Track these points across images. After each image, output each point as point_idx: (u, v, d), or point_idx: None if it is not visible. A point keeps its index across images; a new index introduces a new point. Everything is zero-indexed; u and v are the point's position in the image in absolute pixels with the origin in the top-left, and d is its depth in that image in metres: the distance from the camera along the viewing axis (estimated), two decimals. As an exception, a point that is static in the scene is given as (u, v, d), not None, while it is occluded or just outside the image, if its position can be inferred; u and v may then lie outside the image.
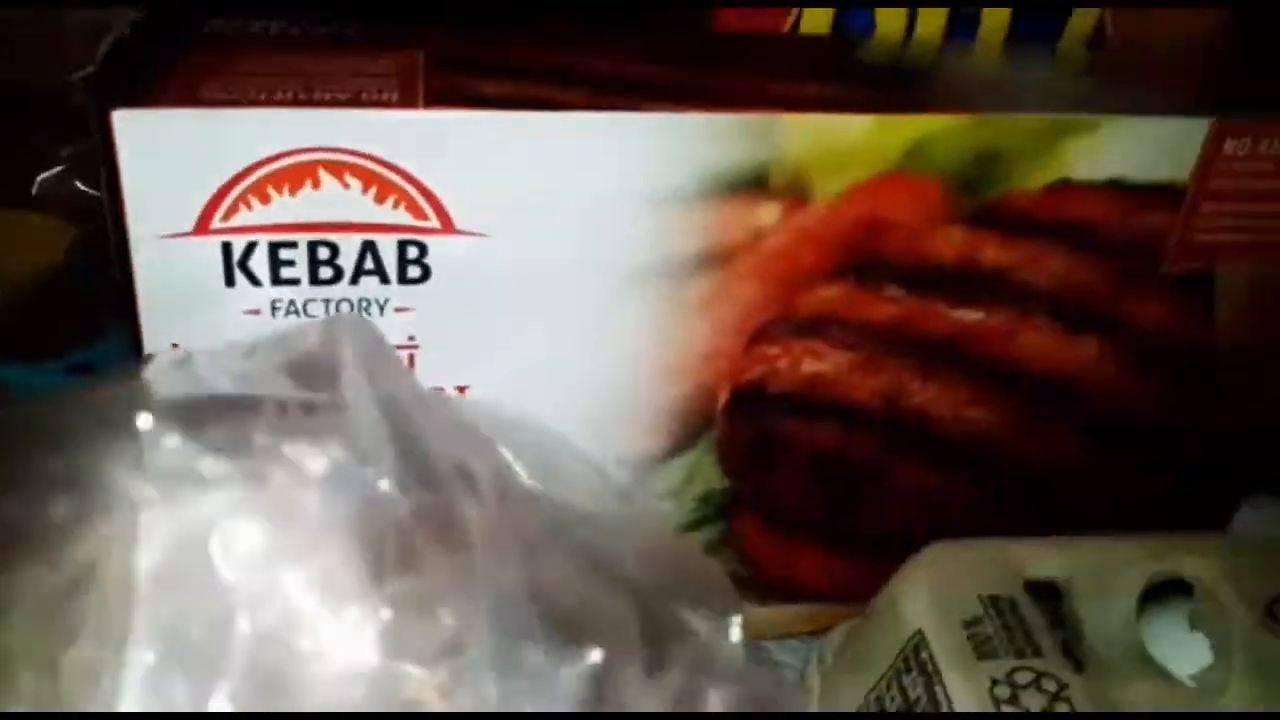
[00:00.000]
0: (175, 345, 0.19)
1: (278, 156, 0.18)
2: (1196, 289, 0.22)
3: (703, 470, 0.22)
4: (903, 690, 0.18)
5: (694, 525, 0.23)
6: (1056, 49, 0.26)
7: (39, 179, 0.34)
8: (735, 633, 0.17)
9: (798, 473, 0.22)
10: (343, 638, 0.14)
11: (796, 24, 0.25)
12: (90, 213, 0.34)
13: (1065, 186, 0.20)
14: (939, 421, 0.22)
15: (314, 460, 0.15)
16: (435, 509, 0.15)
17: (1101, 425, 0.23)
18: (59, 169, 0.35)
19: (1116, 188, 0.20)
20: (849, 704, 0.19)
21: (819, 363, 0.21)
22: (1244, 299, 0.22)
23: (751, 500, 0.23)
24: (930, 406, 0.22)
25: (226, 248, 0.18)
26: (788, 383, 0.21)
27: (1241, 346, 0.23)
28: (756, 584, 0.24)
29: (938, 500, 0.23)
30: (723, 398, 0.21)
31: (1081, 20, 0.25)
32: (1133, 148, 0.20)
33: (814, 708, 0.20)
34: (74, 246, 0.32)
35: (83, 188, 0.35)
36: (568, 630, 0.15)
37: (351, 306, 0.19)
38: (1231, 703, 0.18)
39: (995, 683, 0.17)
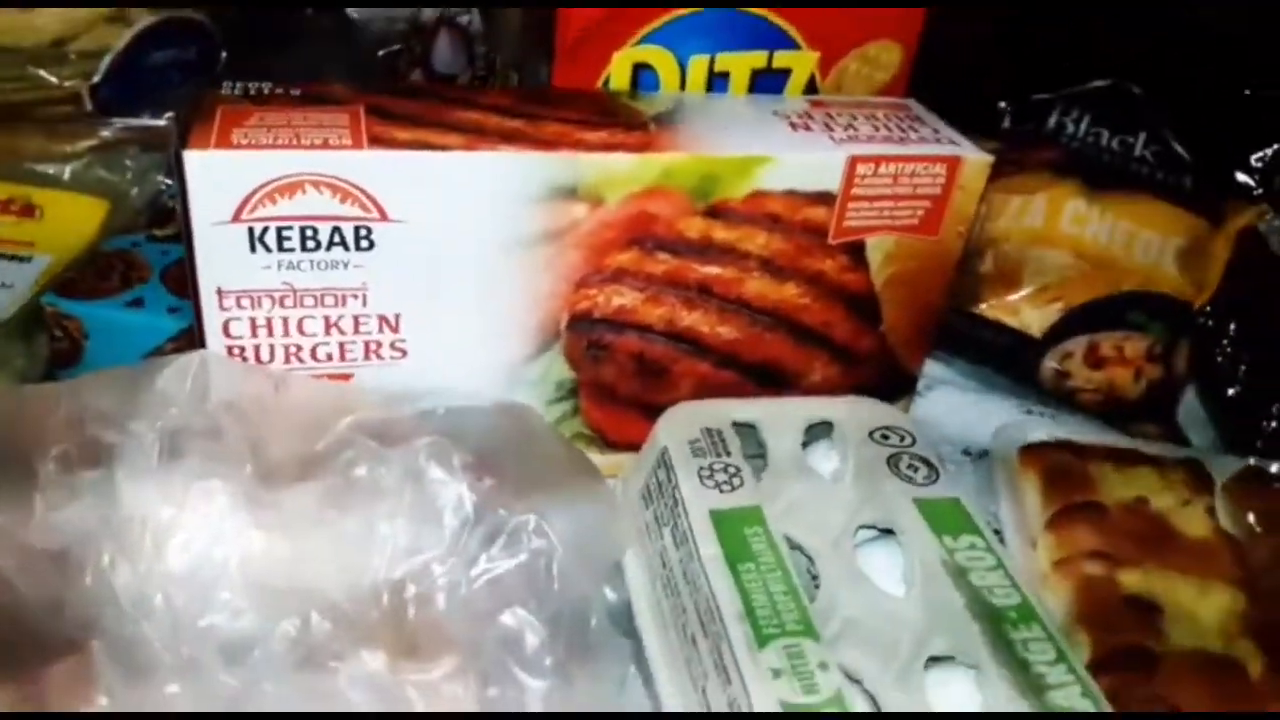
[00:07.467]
0: (219, 289, 0.31)
1: (281, 178, 0.30)
2: (855, 251, 0.36)
3: (556, 366, 0.35)
4: (657, 478, 0.32)
5: (555, 401, 0.36)
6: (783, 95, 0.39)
7: (69, 168, 0.45)
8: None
9: (615, 367, 0.36)
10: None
11: (607, 81, 0.38)
12: (112, 193, 0.44)
13: (759, 194, 0.34)
14: (701, 336, 0.36)
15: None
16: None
17: (803, 336, 0.37)
18: (86, 160, 0.45)
19: (792, 194, 0.34)
20: (635, 489, 0.33)
21: (622, 299, 0.34)
22: (881, 257, 0.36)
23: (589, 386, 0.36)
24: (695, 325, 0.36)
25: (250, 230, 0.30)
26: (603, 310, 0.35)
27: (888, 283, 0.36)
28: (600, 442, 0.37)
29: (707, 384, 0.37)
30: (564, 320, 0.34)
31: (799, 76, 0.39)
32: (800, 170, 0.34)
33: (621, 499, 0.33)
34: (107, 218, 0.43)
35: (105, 175, 0.45)
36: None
37: (326, 265, 0.31)
38: (848, 487, 0.32)
39: (701, 468, 0.31)
